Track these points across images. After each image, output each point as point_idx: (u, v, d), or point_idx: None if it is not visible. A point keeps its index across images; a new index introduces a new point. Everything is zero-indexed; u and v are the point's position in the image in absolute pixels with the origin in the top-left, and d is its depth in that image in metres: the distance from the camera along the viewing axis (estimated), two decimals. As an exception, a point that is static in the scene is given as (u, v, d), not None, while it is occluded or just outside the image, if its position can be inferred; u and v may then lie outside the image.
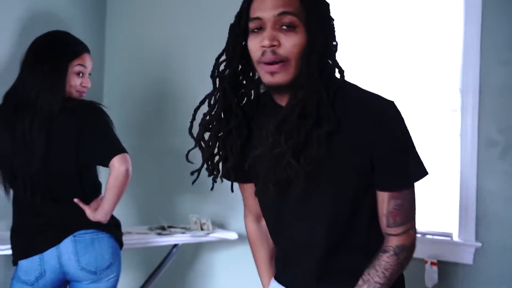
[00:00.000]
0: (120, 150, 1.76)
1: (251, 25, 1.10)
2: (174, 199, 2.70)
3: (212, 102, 1.17)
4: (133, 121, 2.78)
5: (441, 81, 2.24)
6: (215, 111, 1.16)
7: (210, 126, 1.16)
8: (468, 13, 2.10)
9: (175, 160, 2.60)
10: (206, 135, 1.18)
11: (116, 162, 1.73)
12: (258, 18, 1.09)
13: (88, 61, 1.88)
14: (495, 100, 2.08)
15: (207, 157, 1.17)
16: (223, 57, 1.17)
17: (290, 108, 1.07)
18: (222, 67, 1.16)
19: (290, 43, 1.06)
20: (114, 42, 2.88)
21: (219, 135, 1.17)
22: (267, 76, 1.08)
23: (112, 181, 1.75)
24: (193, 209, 2.58)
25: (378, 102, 1.09)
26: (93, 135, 1.76)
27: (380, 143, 1.06)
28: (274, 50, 1.06)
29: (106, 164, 1.75)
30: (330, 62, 1.12)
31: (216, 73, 1.16)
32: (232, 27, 1.16)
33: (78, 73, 1.83)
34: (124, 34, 2.86)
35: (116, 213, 1.85)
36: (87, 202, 1.81)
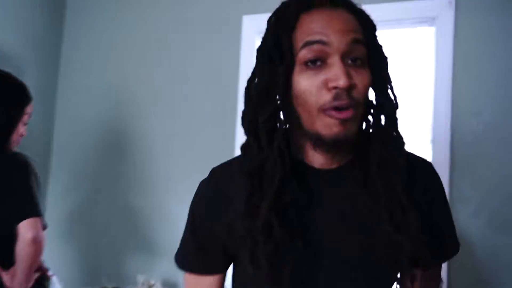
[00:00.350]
0: (29, 213, 1.52)
1: (306, 53, 0.81)
2: (123, 258, 2.46)
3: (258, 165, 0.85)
4: (83, 170, 2.56)
5: (412, 132, 2.16)
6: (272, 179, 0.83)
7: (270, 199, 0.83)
8: (438, 64, 2.04)
9: (126, 213, 2.44)
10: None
11: (22, 228, 1.50)
12: (321, 42, 0.80)
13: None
14: (467, 152, 1.99)
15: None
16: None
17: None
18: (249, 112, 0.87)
19: (363, 84, 0.82)
20: (67, 84, 2.69)
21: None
22: (335, 126, 0.81)
23: (17, 251, 1.52)
24: (143, 269, 2.35)
25: (422, 159, 0.96)
26: (2, 194, 1.54)
27: (438, 207, 0.94)
28: (348, 92, 0.81)
29: (11, 231, 1.51)
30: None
31: (256, 123, 0.85)
32: (267, 52, 0.85)
33: (25, 122, 1.66)
34: (77, 76, 2.67)
35: (58, 271, 1.60)
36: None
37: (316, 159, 0.89)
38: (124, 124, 2.54)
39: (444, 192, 0.97)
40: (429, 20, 2.07)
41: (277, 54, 0.83)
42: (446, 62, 2.02)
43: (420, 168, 0.93)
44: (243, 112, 0.89)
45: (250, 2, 2.30)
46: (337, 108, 0.81)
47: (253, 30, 2.29)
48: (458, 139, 1.98)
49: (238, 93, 2.26)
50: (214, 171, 0.95)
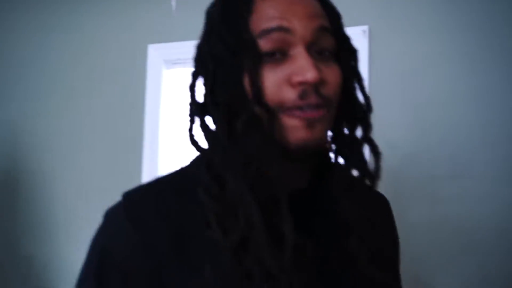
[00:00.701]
0: None
1: (263, 44, 0.65)
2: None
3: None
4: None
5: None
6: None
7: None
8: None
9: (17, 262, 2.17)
10: None
11: None
12: (281, 30, 0.65)
13: None
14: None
15: None
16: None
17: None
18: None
19: (334, 79, 0.68)
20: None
21: None
22: (302, 130, 0.65)
23: None
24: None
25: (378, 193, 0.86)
26: None
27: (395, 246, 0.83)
28: (317, 89, 0.65)
29: None
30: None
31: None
32: (214, 48, 0.68)
33: None
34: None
35: None
36: None
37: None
38: (18, 161, 2.28)
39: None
40: None
41: (238, 46, 0.66)
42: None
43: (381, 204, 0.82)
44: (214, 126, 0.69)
45: (156, 31, 2.16)
46: (307, 108, 0.65)
47: (159, 60, 2.14)
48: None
49: (144, 125, 2.10)
50: (134, 195, 0.69)
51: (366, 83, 1.94)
